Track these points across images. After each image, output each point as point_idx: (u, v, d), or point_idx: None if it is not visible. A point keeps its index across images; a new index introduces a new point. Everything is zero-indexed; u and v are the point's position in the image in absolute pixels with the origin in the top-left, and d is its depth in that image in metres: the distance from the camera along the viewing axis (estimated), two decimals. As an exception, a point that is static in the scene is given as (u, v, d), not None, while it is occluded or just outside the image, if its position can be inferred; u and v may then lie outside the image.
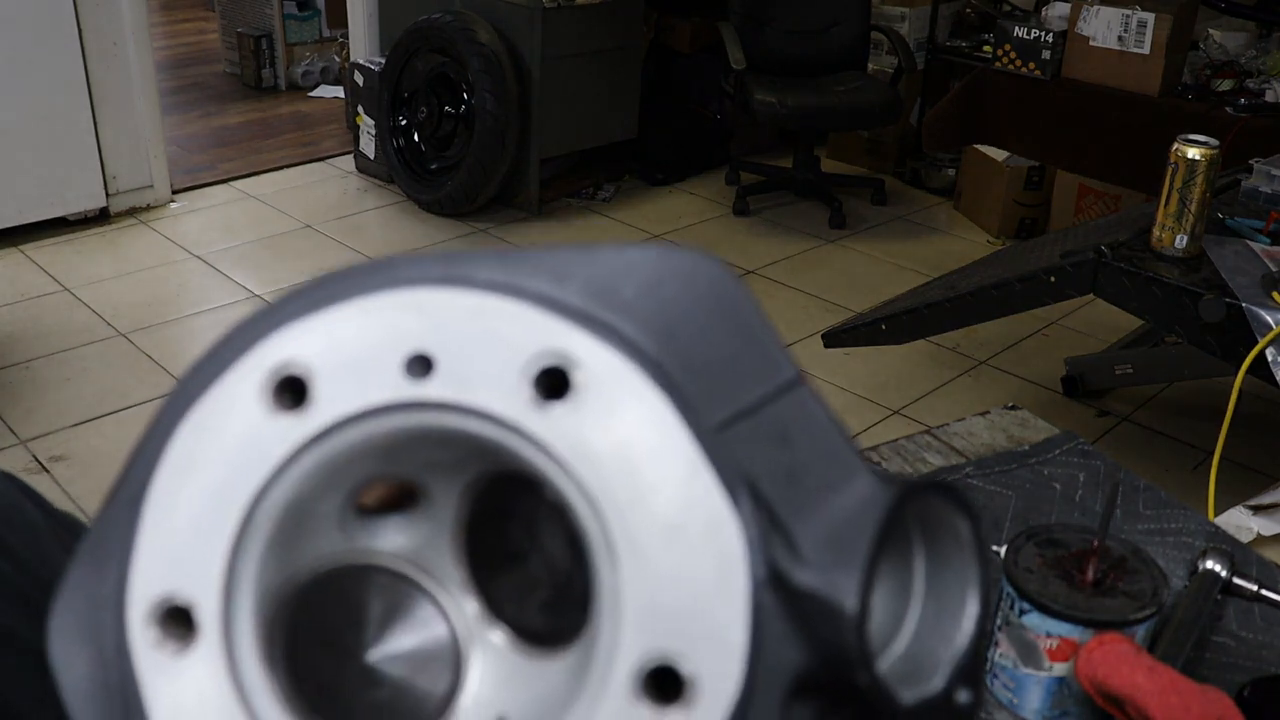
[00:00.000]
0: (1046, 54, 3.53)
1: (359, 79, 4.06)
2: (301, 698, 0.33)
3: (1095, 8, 3.41)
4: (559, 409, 0.31)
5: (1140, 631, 0.70)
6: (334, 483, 0.34)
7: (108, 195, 3.66)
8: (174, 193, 3.92)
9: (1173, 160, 1.88)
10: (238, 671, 0.33)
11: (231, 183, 4.14)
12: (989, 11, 4.13)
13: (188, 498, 0.33)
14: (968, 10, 4.20)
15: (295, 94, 5.32)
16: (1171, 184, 1.90)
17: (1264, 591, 0.84)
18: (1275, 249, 2.00)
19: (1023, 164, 3.78)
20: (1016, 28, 3.60)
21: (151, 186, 3.81)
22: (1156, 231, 1.96)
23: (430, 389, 0.32)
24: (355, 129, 4.17)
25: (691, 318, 0.33)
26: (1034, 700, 0.73)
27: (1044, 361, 3.04)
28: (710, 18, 4.13)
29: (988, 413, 1.08)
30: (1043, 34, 3.54)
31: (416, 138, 3.89)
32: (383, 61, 3.94)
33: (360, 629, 0.36)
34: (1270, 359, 1.77)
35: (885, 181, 4.25)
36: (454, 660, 0.36)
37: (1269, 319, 1.79)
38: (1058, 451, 1.02)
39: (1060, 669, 0.71)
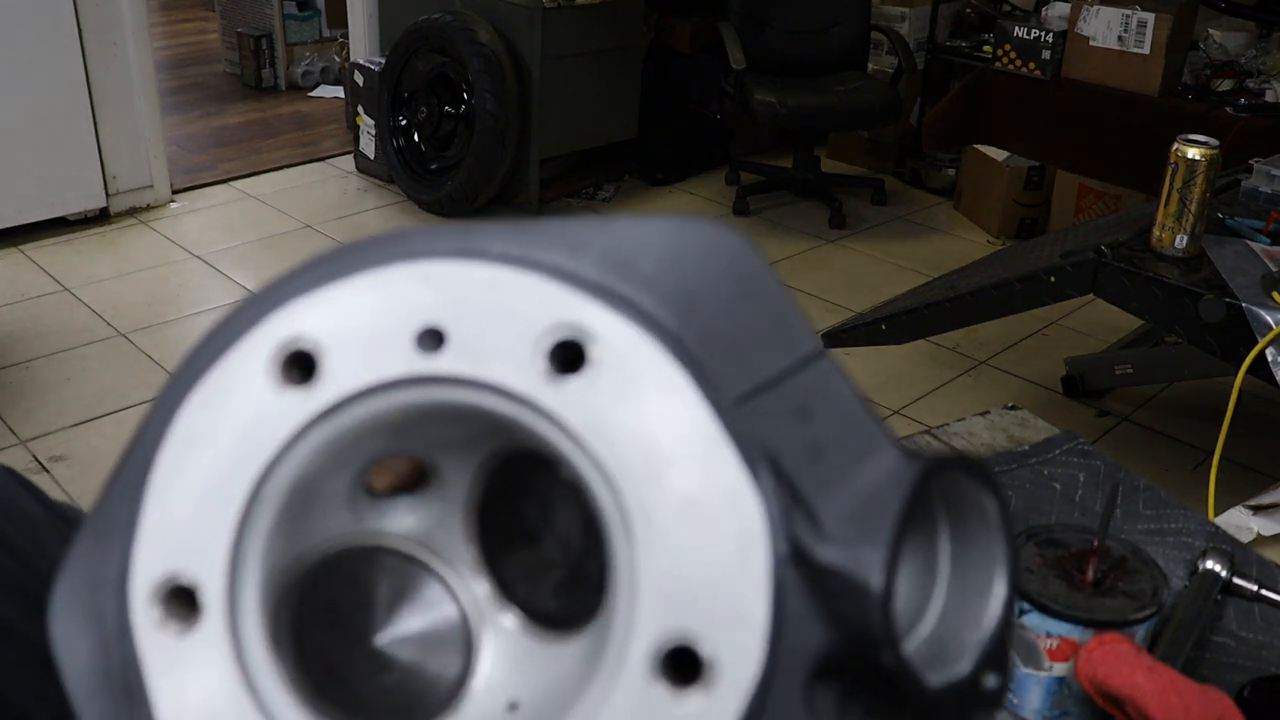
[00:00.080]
0: (1046, 54, 3.53)
1: (359, 79, 4.05)
2: (308, 681, 0.32)
3: (1095, 8, 3.41)
4: (574, 383, 0.30)
5: (1140, 631, 0.70)
6: (343, 460, 0.33)
7: (108, 195, 3.66)
8: (174, 193, 3.91)
9: (1173, 160, 1.88)
10: (243, 654, 0.32)
11: (231, 183, 4.14)
12: (989, 11, 4.13)
13: (193, 475, 0.32)
14: (968, 10, 4.20)
15: (295, 94, 5.32)
16: (1171, 184, 1.90)
17: (1264, 591, 0.84)
18: (1275, 249, 2.00)
19: (1023, 164, 3.77)
20: (1016, 28, 3.60)
21: (151, 186, 3.80)
22: (1156, 231, 1.96)
23: (442, 363, 0.31)
24: (355, 129, 4.16)
25: (711, 290, 0.32)
26: (1034, 700, 0.72)
27: (1044, 361, 3.04)
28: (710, 18, 4.12)
29: (988, 413, 1.08)
30: (1043, 34, 3.53)
31: (416, 138, 3.89)
32: (383, 61, 3.94)
33: (369, 611, 0.35)
34: (1270, 359, 1.77)
35: (885, 181, 4.25)
36: (465, 643, 0.35)
37: (1269, 319, 1.78)
38: (1058, 451, 1.01)
39: (1060, 669, 0.70)
